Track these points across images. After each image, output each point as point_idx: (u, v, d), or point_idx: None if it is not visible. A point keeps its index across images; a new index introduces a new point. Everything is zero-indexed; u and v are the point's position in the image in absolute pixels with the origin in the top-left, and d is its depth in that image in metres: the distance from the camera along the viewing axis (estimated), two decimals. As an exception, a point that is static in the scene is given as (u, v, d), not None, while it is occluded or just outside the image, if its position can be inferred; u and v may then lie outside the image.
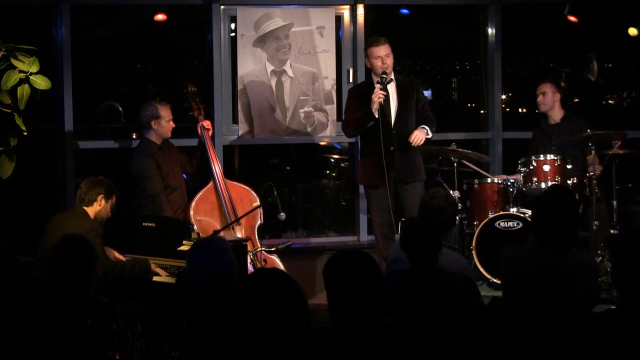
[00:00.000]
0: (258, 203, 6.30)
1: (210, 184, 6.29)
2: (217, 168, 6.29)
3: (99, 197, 5.49)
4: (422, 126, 6.27)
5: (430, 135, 6.30)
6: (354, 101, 6.36)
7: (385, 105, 6.20)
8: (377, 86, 6.14)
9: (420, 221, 4.39)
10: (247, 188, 6.41)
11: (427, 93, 8.60)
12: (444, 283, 4.11)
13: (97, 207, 5.49)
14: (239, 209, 6.22)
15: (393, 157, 6.19)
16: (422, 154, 6.48)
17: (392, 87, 6.32)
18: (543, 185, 6.56)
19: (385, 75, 6.17)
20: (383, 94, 6.11)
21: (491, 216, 6.62)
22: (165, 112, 6.18)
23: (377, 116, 6.10)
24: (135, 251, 5.47)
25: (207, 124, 6.37)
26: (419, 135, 6.20)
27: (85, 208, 5.47)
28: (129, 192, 6.26)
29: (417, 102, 6.38)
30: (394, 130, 6.24)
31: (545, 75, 7.66)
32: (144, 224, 5.57)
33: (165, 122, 6.18)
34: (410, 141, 6.17)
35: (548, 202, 4.30)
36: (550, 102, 7.01)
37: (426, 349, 3.08)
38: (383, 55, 6.21)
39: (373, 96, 6.10)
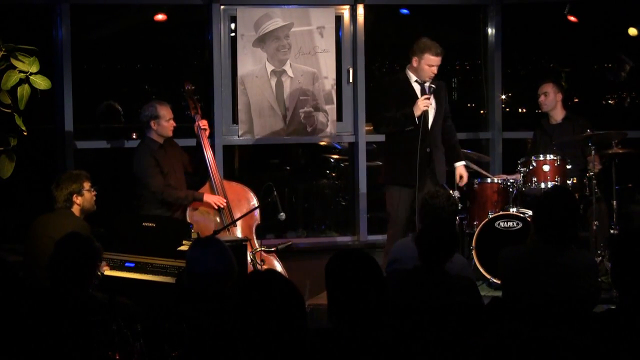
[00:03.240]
0: (256, 202, 6.30)
1: (207, 184, 6.29)
2: (213, 168, 6.28)
3: (72, 197, 5.48)
4: (462, 163, 6.53)
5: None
6: (389, 97, 6.28)
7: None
8: (426, 95, 6.13)
9: (443, 223, 4.35)
10: (244, 187, 6.41)
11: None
12: (446, 285, 4.10)
13: (76, 207, 5.50)
14: (236, 208, 6.22)
15: (430, 159, 6.22)
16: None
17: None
18: (543, 185, 6.56)
19: (433, 85, 6.18)
20: (430, 103, 6.14)
21: (491, 216, 6.61)
22: (164, 112, 6.17)
23: (418, 122, 6.10)
24: (136, 251, 5.47)
25: (203, 123, 6.34)
26: (465, 174, 6.52)
27: (68, 210, 5.47)
28: (129, 192, 6.26)
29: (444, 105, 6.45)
30: (431, 133, 6.25)
31: (545, 75, 7.66)
32: (144, 224, 5.56)
33: (165, 122, 6.17)
34: (459, 183, 6.48)
35: (551, 199, 4.32)
36: (552, 102, 7.00)
37: (426, 350, 3.08)
38: (436, 65, 6.20)
39: (420, 103, 6.08)
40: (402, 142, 6.22)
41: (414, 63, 6.25)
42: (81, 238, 4.05)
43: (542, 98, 7.02)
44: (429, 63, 6.19)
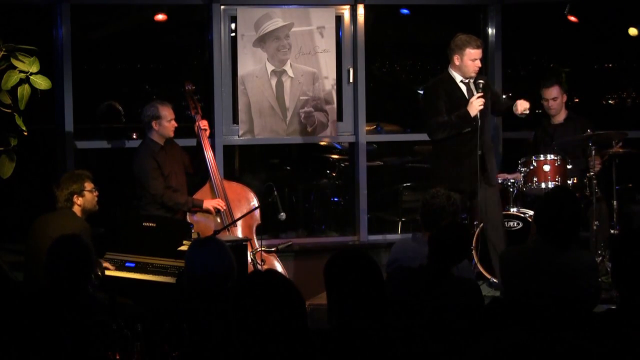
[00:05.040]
0: (256, 202, 6.31)
1: (207, 184, 6.28)
2: (213, 168, 6.28)
3: (73, 197, 5.47)
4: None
5: None
6: (440, 101, 6.08)
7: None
8: (478, 93, 5.98)
9: (461, 229, 4.34)
10: (245, 187, 6.41)
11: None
12: (450, 286, 4.09)
13: (77, 207, 5.49)
14: (236, 208, 6.22)
15: (483, 162, 6.06)
16: (421, 153, 6.48)
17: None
18: (543, 185, 6.55)
19: (482, 81, 6.03)
20: (484, 101, 5.97)
21: (491, 216, 6.60)
22: (166, 112, 6.16)
23: (475, 123, 5.94)
24: (136, 251, 5.47)
25: (203, 123, 6.33)
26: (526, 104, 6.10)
27: (69, 210, 5.46)
28: (130, 192, 6.26)
29: (491, 97, 6.24)
30: (483, 133, 6.05)
31: (546, 76, 7.64)
32: (144, 224, 5.56)
33: (166, 122, 6.16)
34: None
35: (553, 199, 4.33)
36: (560, 105, 6.99)
37: (427, 351, 3.08)
38: (478, 58, 6.05)
39: (475, 102, 5.93)
40: (456, 145, 6.05)
41: (456, 61, 6.09)
42: (70, 242, 3.99)
43: (551, 102, 6.96)
44: (472, 57, 6.04)
